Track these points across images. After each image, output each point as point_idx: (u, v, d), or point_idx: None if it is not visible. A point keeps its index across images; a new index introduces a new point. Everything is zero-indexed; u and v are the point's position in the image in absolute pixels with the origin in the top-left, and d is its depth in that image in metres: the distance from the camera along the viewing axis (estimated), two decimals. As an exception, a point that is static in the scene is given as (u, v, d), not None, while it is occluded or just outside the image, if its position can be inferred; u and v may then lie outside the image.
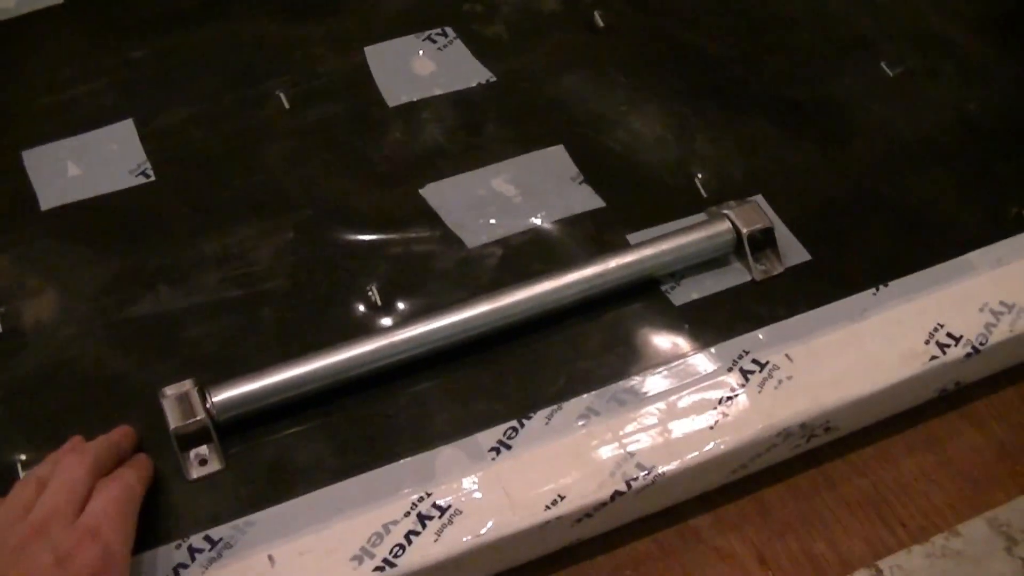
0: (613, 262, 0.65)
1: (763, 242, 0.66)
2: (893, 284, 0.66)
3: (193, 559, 0.57)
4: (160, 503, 0.59)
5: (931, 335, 0.64)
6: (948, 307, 0.66)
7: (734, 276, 0.67)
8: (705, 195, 0.70)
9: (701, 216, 0.68)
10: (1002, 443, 0.66)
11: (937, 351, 0.64)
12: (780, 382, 0.63)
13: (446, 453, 0.60)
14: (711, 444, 0.61)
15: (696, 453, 0.60)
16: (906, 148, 0.73)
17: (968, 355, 0.64)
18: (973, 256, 0.68)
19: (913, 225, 0.69)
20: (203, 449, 0.60)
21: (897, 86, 0.76)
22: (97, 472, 0.55)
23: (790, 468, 0.65)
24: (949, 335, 0.64)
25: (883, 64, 0.77)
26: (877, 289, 0.66)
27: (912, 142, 0.73)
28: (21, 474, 0.59)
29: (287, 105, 0.74)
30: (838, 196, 0.71)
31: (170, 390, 0.60)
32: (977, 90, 0.76)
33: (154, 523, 0.58)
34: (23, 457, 0.60)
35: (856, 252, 0.68)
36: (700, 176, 0.71)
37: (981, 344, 0.64)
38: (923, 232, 0.69)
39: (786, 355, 0.64)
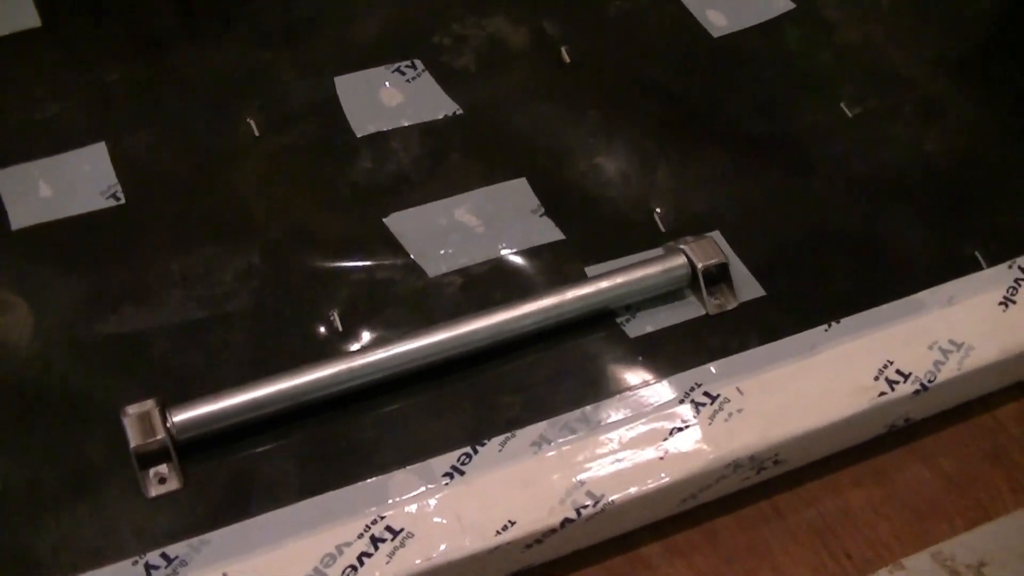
0: (570, 293, 0.66)
1: (718, 277, 0.68)
2: (845, 320, 0.68)
3: (149, 575, 0.58)
4: (119, 520, 0.60)
5: (880, 371, 0.66)
6: (898, 344, 0.67)
7: (689, 310, 0.68)
8: (663, 229, 0.71)
9: (658, 251, 0.69)
10: (949, 477, 0.68)
11: (886, 387, 0.65)
12: (731, 415, 0.64)
13: (400, 477, 0.61)
14: (661, 474, 0.62)
15: (646, 483, 0.61)
16: (864, 186, 0.74)
17: (916, 392, 0.65)
18: (924, 295, 0.69)
19: (868, 263, 0.71)
20: (163, 468, 0.61)
21: (856, 125, 0.78)
22: None
23: (739, 499, 0.66)
24: (898, 372, 0.66)
25: (842, 104, 0.78)
26: (829, 325, 0.68)
27: (870, 180, 0.75)
28: (-18, 488, 0.60)
29: (256, 132, 0.75)
30: (794, 233, 0.72)
31: (132, 409, 0.61)
32: (935, 130, 0.78)
33: (112, 539, 0.59)
34: (-15, 471, 0.61)
35: (810, 288, 0.70)
36: (659, 211, 0.72)
37: (929, 381, 0.66)
38: (877, 270, 0.71)
39: (737, 388, 0.65)
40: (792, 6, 0.84)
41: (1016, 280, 0.70)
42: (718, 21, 0.83)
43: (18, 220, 0.71)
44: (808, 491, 0.67)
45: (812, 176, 0.75)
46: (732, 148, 0.76)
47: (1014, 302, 0.69)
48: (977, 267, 0.71)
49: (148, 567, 0.58)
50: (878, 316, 0.68)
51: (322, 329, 0.67)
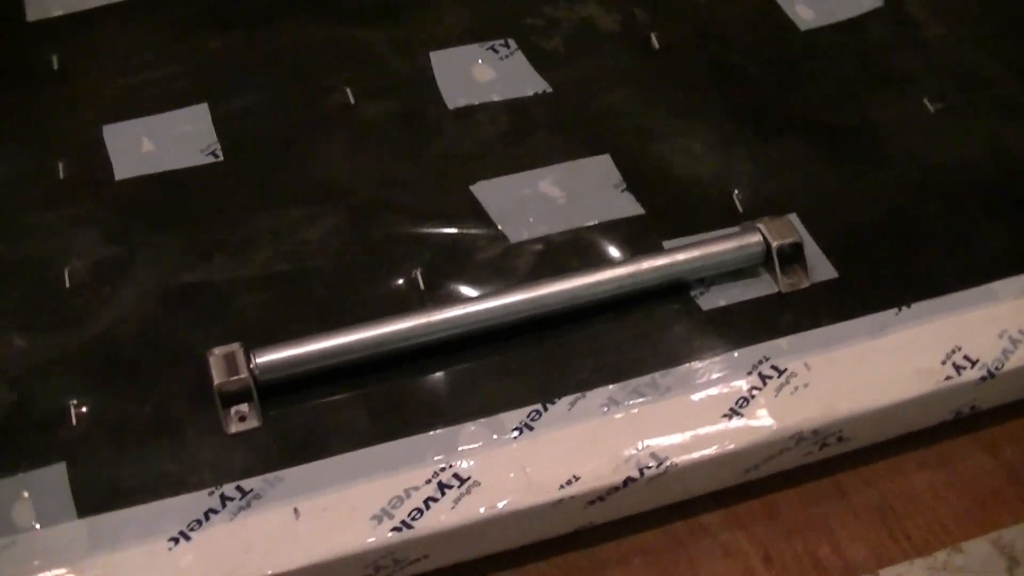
0: (645, 263, 0.68)
1: (792, 256, 0.69)
2: (916, 305, 0.68)
3: (224, 506, 0.60)
4: (199, 453, 0.63)
5: (948, 356, 0.66)
6: (967, 331, 0.67)
7: (762, 287, 0.69)
8: (741, 210, 0.73)
9: (735, 228, 0.70)
10: (1013, 467, 0.68)
11: (952, 371, 0.66)
12: (796, 389, 0.65)
13: (471, 429, 0.63)
14: (724, 442, 0.63)
15: (709, 449, 0.63)
16: (941, 177, 0.75)
17: (983, 378, 0.66)
18: (997, 285, 0.70)
19: (942, 251, 0.72)
20: (243, 407, 0.64)
21: (937, 120, 0.78)
22: None
23: (803, 474, 0.67)
24: (966, 357, 0.66)
25: (925, 100, 0.79)
26: (899, 309, 0.68)
27: (948, 172, 0.75)
28: (73, 418, 0.64)
29: (352, 100, 0.78)
30: (869, 219, 0.73)
31: (218, 350, 0.64)
32: (1015, 126, 0.78)
33: (191, 471, 0.62)
34: (75, 402, 0.64)
35: (882, 273, 0.70)
36: (737, 192, 0.74)
37: (997, 368, 0.66)
38: (951, 258, 0.71)
39: (804, 364, 0.66)
40: (880, 4, 0.85)
41: (1092, 276, 0.71)
42: (806, 15, 0.84)
43: (121, 171, 0.75)
44: (872, 471, 0.68)
45: (889, 166, 0.76)
46: (811, 136, 0.77)
47: (1088, 297, 0.70)
48: (1053, 260, 0.71)
49: (223, 498, 0.61)
50: (949, 303, 0.69)
51: (404, 287, 0.69)
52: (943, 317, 0.68)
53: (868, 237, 0.72)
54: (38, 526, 0.60)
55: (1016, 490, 0.67)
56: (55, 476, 0.61)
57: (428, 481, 0.61)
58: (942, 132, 0.78)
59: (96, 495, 0.61)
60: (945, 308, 0.69)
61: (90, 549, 0.59)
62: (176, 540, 0.59)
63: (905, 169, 0.76)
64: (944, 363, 0.66)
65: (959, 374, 0.66)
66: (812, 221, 0.72)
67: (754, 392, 0.65)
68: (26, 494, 0.61)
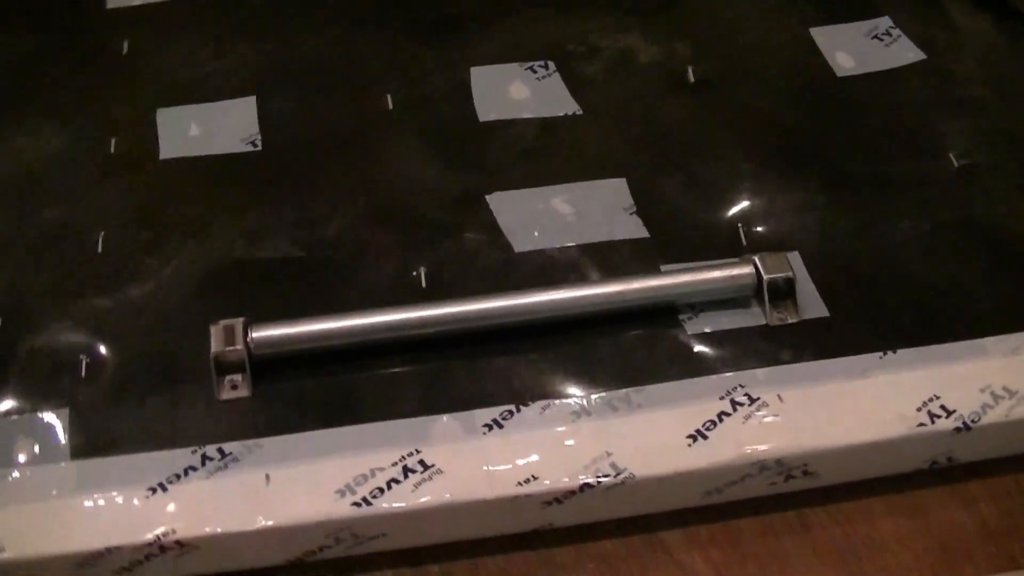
0: (636, 283, 0.70)
1: (783, 291, 0.70)
2: (901, 352, 0.69)
3: (203, 464, 0.64)
4: (189, 414, 0.67)
5: (925, 403, 0.66)
6: (950, 382, 0.67)
7: (750, 318, 0.70)
8: (745, 243, 0.74)
9: (733, 259, 0.72)
10: (986, 524, 0.67)
11: (927, 419, 0.66)
12: (766, 418, 0.66)
13: (444, 420, 0.66)
14: (685, 461, 0.64)
15: (668, 466, 0.64)
16: (953, 232, 0.75)
17: (957, 429, 0.66)
18: (989, 341, 0.70)
19: (940, 303, 0.72)
20: (236, 377, 0.68)
21: (957, 177, 0.78)
22: None
23: (769, 505, 0.68)
24: (943, 407, 0.66)
25: (951, 155, 0.79)
26: (884, 354, 0.69)
27: (957, 228, 0.75)
28: (83, 370, 0.69)
29: (390, 106, 0.83)
30: (871, 266, 0.73)
31: (221, 322, 0.68)
32: None
33: (180, 429, 0.66)
34: (87, 356, 0.69)
35: (875, 317, 0.71)
36: (744, 227, 0.75)
37: (973, 421, 0.66)
38: (947, 310, 0.71)
39: (778, 395, 0.67)
40: (923, 57, 0.86)
41: (1089, 341, 0.70)
42: (845, 63, 0.85)
43: (167, 151, 0.80)
44: (840, 510, 0.68)
45: (901, 217, 0.76)
46: (828, 181, 0.78)
47: (1082, 361, 0.69)
48: (1053, 324, 0.71)
49: (205, 457, 0.65)
50: (937, 353, 0.69)
51: (406, 284, 0.72)
52: (927, 367, 0.68)
53: (866, 283, 0.73)
54: (34, 463, 0.64)
55: (985, 546, 0.67)
56: (57, 420, 0.66)
57: (394, 464, 0.64)
58: (961, 189, 0.78)
59: (90, 441, 0.65)
60: (931, 358, 0.69)
61: (76, 488, 0.63)
62: (154, 490, 0.63)
63: (916, 221, 0.76)
64: (920, 410, 0.66)
65: (933, 423, 0.66)
66: (813, 261, 0.73)
67: (723, 417, 0.66)
68: (29, 433, 0.66)
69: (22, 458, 0.65)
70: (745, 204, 0.77)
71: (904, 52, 0.87)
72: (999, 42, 0.88)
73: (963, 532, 0.67)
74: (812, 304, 0.71)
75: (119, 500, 0.63)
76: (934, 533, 0.67)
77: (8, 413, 0.66)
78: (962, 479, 0.69)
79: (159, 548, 0.62)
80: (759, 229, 0.75)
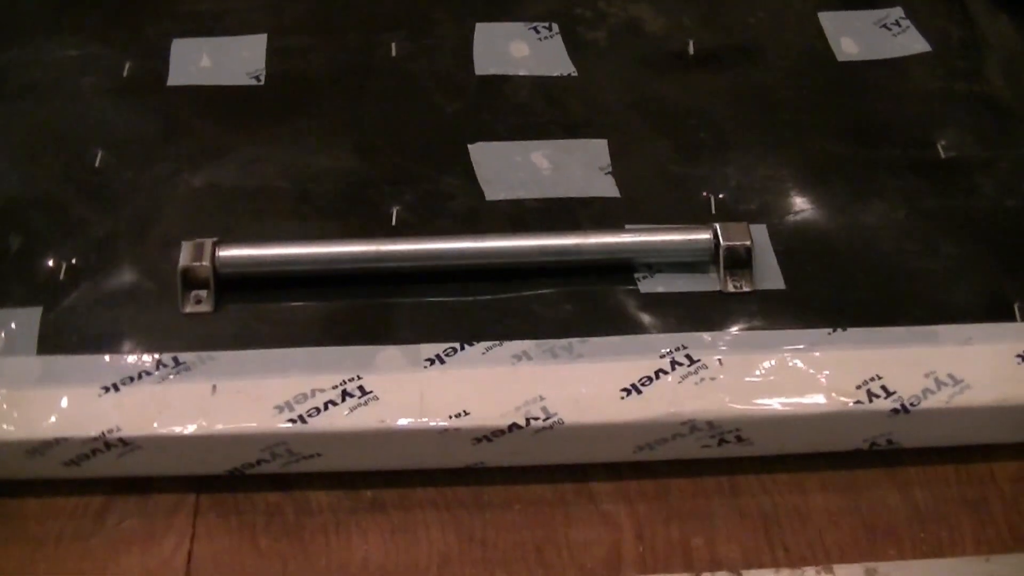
0: (594, 238, 0.71)
1: (742, 260, 0.71)
2: (851, 330, 0.69)
3: (157, 370, 0.68)
4: (153, 323, 0.70)
5: (866, 382, 0.67)
6: (894, 363, 0.68)
7: (706, 283, 0.71)
8: (714, 212, 0.75)
9: (695, 225, 0.73)
10: (918, 509, 0.67)
11: (864, 397, 0.66)
12: (702, 380, 0.67)
13: (389, 351, 0.68)
14: (615, 413, 0.66)
15: (599, 417, 0.66)
16: (928, 220, 0.75)
17: (894, 411, 0.66)
18: (943, 328, 0.69)
19: (900, 286, 0.72)
20: (201, 292, 0.71)
21: (945, 167, 0.78)
22: None
23: (702, 467, 0.69)
24: (883, 387, 0.67)
25: (939, 146, 0.79)
26: (834, 330, 0.69)
27: (931, 217, 0.75)
28: (61, 274, 0.72)
29: (394, 53, 0.85)
30: (839, 244, 0.74)
31: (192, 240, 0.71)
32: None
33: (141, 336, 0.69)
34: (67, 261, 0.72)
35: (831, 294, 0.71)
36: (718, 196, 0.76)
37: (912, 405, 0.66)
38: (906, 294, 0.71)
39: (719, 359, 0.68)
40: (928, 49, 0.86)
41: (1045, 340, 0.70)
42: (848, 48, 0.86)
43: (175, 78, 0.83)
44: (773, 480, 0.69)
45: (877, 200, 0.76)
46: (811, 160, 0.79)
47: (1033, 359, 0.69)
48: (1011, 319, 0.70)
49: (159, 363, 0.68)
50: (886, 335, 0.69)
51: (378, 220, 0.75)
52: (874, 347, 0.69)
53: (829, 261, 0.73)
54: (2, 354, 0.68)
55: (911, 530, 0.67)
56: (30, 317, 0.70)
57: (335, 387, 0.67)
58: (944, 179, 0.78)
59: (56, 340, 0.69)
60: (880, 339, 0.69)
61: (37, 381, 0.67)
62: (108, 389, 0.66)
63: (891, 207, 0.76)
64: (859, 388, 0.67)
65: (870, 401, 0.66)
66: (780, 235, 0.74)
67: (660, 374, 0.67)
68: (2, 327, 0.69)
69: (-10, 348, 0.69)
70: (721, 175, 0.78)
71: (911, 43, 0.86)
72: (1013, 42, 0.87)
73: (893, 514, 0.68)
74: (770, 276, 0.72)
75: (74, 396, 0.66)
76: (863, 512, 0.68)
77: (-16, 306, 0.71)
78: (902, 464, 0.69)
79: (104, 444, 0.65)
80: (730, 201, 0.76)
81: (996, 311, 0.71)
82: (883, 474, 0.69)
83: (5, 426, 0.65)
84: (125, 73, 0.84)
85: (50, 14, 0.87)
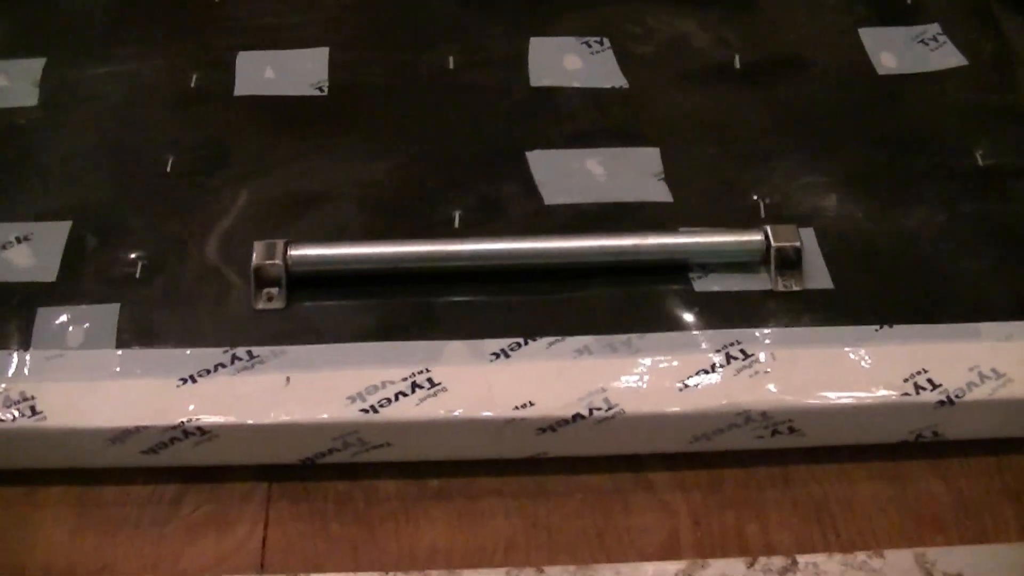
0: (651, 239, 0.75)
1: (792, 260, 0.74)
2: (898, 327, 0.72)
3: (232, 363, 0.70)
4: (227, 319, 0.73)
5: (912, 376, 0.70)
6: (940, 359, 0.71)
7: (757, 283, 0.74)
8: (763, 216, 0.78)
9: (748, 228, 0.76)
10: (962, 498, 0.70)
11: (912, 390, 0.69)
12: (756, 373, 0.70)
13: (456, 345, 0.71)
14: (673, 404, 0.69)
15: (658, 407, 0.69)
16: (966, 223, 0.78)
17: (940, 403, 0.69)
18: (985, 326, 0.72)
19: (944, 286, 0.75)
20: (273, 290, 0.74)
21: (981, 174, 0.82)
22: None
23: (755, 458, 0.71)
24: (929, 380, 0.69)
25: (977, 154, 0.82)
26: (880, 327, 0.72)
27: (971, 220, 0.79)
28: (138, 272, 0.75)
29: (451, 66, 0.88)
30: (882, 247, 0.77)
31: (265, 240, 0.75)
32: None
33: (217, 331, 0.72)
34: (144, 260, 0.76)
35: (876, 294, 0.74)
36: (767, 200, 0.79)
37: (957, 397, 0.69)
38: (947, 294, 0.74)
39: (772, 354, 0.71)
40: (965, 63, 0.89)
41: (1083, 337, 0.73)
42: (888, 63, 0.89)
43: (241, 89, 0.87)
44: (823, 471, 0.71)
45: (919, 205, 0.79)
46: (854, 167, 0.82)
47: (1073, 354, 0.72)
48: (1050, 319, 0.74)
49: (234, 357, 0.71)
50: (932, 332, 0.72)
51: (442, 223, 0.78)
52: (920, 342, 0.72)
53: (874, 262, 0.76)
54: (83, 348, 0.71)
55: (957, 518, 0.70)
56: (108, 313, 0.73)
57: (404, 379, 0.70)
58: (981, 186, 0.81)
59: (134, 335, 0.72)
60: (926, 335, 0.72)
61: (117, 373, 0.70)
62: (185, 381, 0.69)
63: (932, 211, 0.79)
64: (906, 381, 0.70)
65: (917, 394, 0.69)
66: (826, 238, 0.77)
67: (716, 368, 0.70)
68: (82, 322, 0.72)
69: (73, 343, 0.72)
70: (769, 181, 0.81)
71: (947, 57, 0.90)
72: (1046, 57, 0.91)
73: (939, 504, 0.70)
74: (818, 276, 0.75)
75: (153, 387, 0.69)
76: (910, 502, 0.70)
77: (68, 302, 0.73)
78: (946, 455, 0.72)
79: (183, 432, 0.68)
80: (778, 205, 0.79)
81: (1036, 311, 0.74)
82: (928, 465, 0.72)
83: (87, 415, 0.68)
84: (192, 84, 0.87)
85: (121, 30, 0.91)
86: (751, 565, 0.67)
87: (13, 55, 0.89)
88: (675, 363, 0.70)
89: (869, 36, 0.91)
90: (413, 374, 0.70)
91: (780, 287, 0.74)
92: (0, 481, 0.70)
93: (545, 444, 0.70)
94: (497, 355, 0.71)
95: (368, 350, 0.71)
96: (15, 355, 0.71)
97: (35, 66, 0.88)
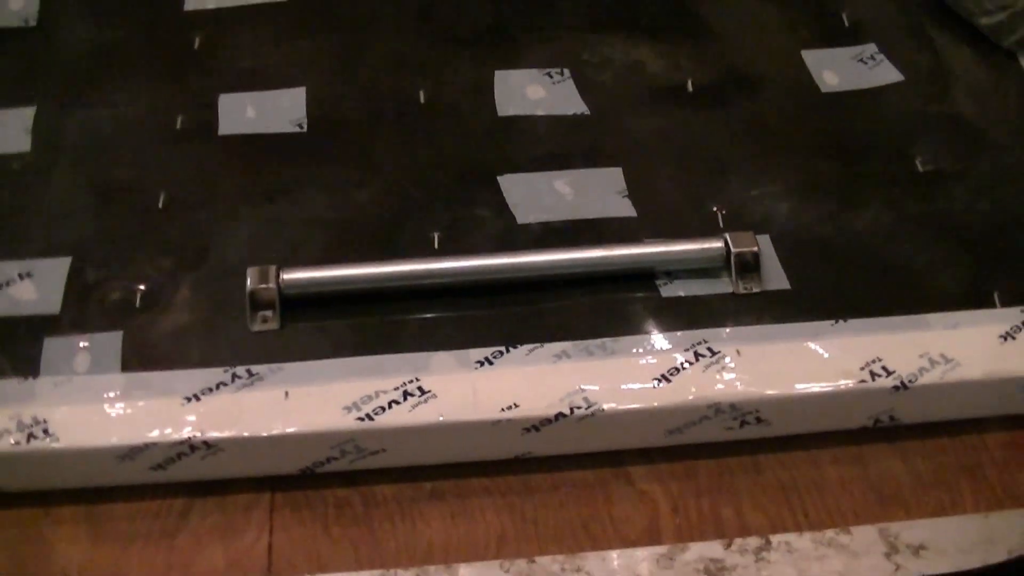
0: (618, 250, 0.80)
1: (750, 265, 0.79)
2: (852, 321, 0.78)
3: (233, 381, 0.75)
4: (226, 341, 0.77)
5: (868, 364, 0.75)
6: (892, 347, 0.76)
7: (719, 287, 0.80)
8: (722, 225, 0.84)
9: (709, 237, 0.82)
10: (920, 476, 0.76)
11: (868, 377, 0.75)
12: (723, 368, 0.75)
13: (442, 356, 0.76)
14: (649, 400, 0.74)
15: (634, 404, 0.74)
16: (911, 225, 0.84)
17: (895, 387, 0.74)
18: (933, 316, 0.78)
19: (892, 283, 0.81)
20: (268, 312, 0.78)
21: (922, 178, 0.88)
22: None
23: (726, 449, 0.77)
24: (884, 368, 0.75)
25: (917, 161, 0.88)
26: (836, 321, 0.78)
27: (919, 221, 0.84)
28: (137, 301, 0.79)
29: (423, 100, 0.93)
30: (834, 249, 0.83)
31: (258, 266, 0.79)
32: (997, 194, 0.87)
33: (216, 352, 0.76)
34: (143, 289, 0.80)
35: (831, 292, 0.80)
36: (725, 211, 0.85)
37: (910, 382, 0.74)
38: (898, 289, 0.80)
39: (737, 350, 0.76)
40: (901, 78, 0.95)
41: (1023, 322, 0.78)
42: (830, 80, 0.95)
43: (224, 128, 0.91)
44: (791, 458, 0.77)
45: (865, 209, 0.85)
46: (803, 177, 0.88)
47: (1014, 338, 0.77)
48: (991, 306, 0.79)
49: (234, 376, 0.75)
50: (884, 324, 0.78)
51: (421, 244, 0.83)
52: (873, 333, 0.77)
53: (827, 262, 0.82)
54: (90, 372, 0.75)
55: (916, 495, 0.75)
56: (112, 340, 0.77)
57: (396, 388, 0.74)
58: (925, 188, 0.87)
59: (138, 358, 0.76)
60: (878, 327, 0.78)
61: (124, 394, 0.74)
62: (189, 399, 0.74)
63: (878, 213, 0.85)
64: (863, 369, 0.75)
65: (873, 380, 0.75)
66: (781, 243, 0.82)
67: (685, 365, 0.75)
68: (88, 349, 0.76)
69: (80, 368, 0.76)
70: (725, 193, 0.87)
71: (885, 74, 0.96)
72: (975, 69, 0.97)
73: (898, 482, 0.76)
74: (776, 278, 0.81)
75: (159, 406, 0.74)
76: (872, 481, 0.76)
77: (72, 332, 0.78)
78: (903, 438, 0.78)
79: (189, 447, 0.72)
80: (736, 214, 0.85)
81: (978, 299, 0.80)
82: (887, 448, 0.77)
83: (96, 435, 0.72)
84: (178, 125, 0.91)
85: (106, 77, 0.95)
86: (728, 546, 0.72)
87: (4, 106, 0.93)
88: (647, 362, 0.76)
89: (812, 57, 0.97)
90: (404, 383, 0.74)
91: (741, 290, 0.80)
92: (16, 502, 0.74)
93: (530, 443, 0.75)
94: (481, 363, 0.76)
95: (360, 363, 0.76)
96: (26, 382, 0.75)
97: (26, 114, 0.92)
